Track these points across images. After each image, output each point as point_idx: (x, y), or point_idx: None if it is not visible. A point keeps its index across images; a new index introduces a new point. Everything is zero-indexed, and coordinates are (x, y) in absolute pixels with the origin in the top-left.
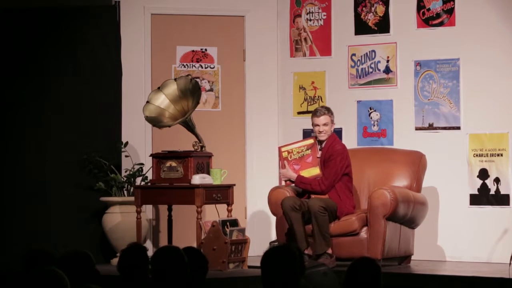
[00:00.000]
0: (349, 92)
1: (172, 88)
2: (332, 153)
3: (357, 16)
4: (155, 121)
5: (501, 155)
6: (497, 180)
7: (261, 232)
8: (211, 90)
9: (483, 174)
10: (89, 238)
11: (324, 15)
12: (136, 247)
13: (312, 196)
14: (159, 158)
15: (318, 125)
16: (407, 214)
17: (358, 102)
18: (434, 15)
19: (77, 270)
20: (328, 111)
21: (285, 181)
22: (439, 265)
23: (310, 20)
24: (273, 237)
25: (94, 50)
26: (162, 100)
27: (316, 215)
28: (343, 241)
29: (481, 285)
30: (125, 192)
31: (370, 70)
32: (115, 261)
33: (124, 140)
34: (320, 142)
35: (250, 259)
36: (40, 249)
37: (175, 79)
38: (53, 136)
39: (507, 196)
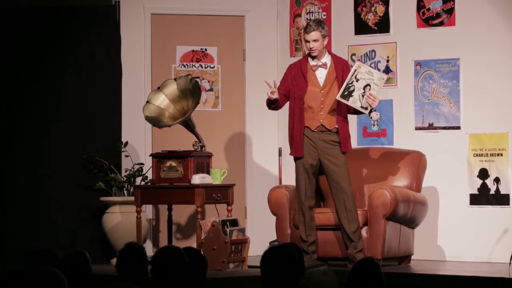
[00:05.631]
0: None
1: (172, 88)
2: (346, 64)
3: (357, 16)
4: (155, 121)
5: (501, 155)
6: (497, 180)
7: (261, 232)
8: (211, 90)
9: (483, 174)
10: (89, 238)
11: (324, 15)
12: (133, 246)
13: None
14: (159, 158)
15: (308, 41)
16: (407, 214)
17: None
18: (434, 15)
19: (73, 269)
20: (319, 25)
21: None
22: (439, 265)
23: (310, 20)
24: (273, 237)
25: (94, 50)
26: (162, 100)
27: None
28: (342, 240)
29: (481, 285)
30: (125, 192)
31: None
32: (115, 261)
33: (124, 140)
34: (313, 58)
35: (250, 259)
36: (43, 248)
37: (175, 79)
38: (53, 135)
39: (507, 196)
